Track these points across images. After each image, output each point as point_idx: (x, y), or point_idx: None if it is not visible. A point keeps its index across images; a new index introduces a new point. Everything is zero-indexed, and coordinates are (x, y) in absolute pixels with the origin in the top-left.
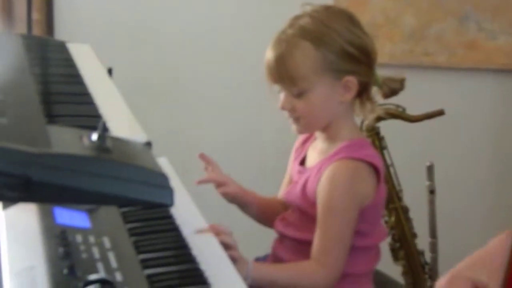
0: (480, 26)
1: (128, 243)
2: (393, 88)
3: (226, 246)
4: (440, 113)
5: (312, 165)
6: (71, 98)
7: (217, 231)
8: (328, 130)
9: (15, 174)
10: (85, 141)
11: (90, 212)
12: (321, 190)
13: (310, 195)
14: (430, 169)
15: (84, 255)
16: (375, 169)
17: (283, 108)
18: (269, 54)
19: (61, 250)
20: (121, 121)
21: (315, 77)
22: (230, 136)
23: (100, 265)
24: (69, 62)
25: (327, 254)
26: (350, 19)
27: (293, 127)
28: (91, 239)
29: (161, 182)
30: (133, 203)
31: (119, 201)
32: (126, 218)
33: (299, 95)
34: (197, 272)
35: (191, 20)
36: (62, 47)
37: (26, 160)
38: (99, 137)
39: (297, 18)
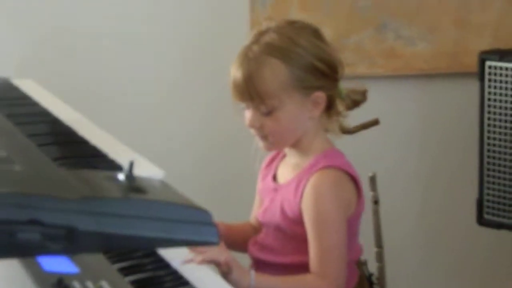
0: (397, 33)
1: (126, 285)
2: (356, 100)
3: (216, 264)
4: (375, 122)
5: (287, 180)
6: (59, 138)
7: (197, 256)
8: (299, 145)
9: (59, 224)
10: (115, 182)
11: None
12: (307, 204)
13: (290, 213)
14: (372, 180)
15: None
16: (353, 179)
17: (251, 126)
18: (236, 73)
19: None
20: (128, 159)
21: (284, 94)
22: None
23: None
24: (27, 100)
25: (327, 265)
26: (316, 33)
27: (261, 144)
28: (90, 284)
29: (204, 219)
30: (180, 244)
31: (166, 243)
32: (109, 258)
33: (268, 113)
34: None
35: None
36: (9, 84)
37: (69, 208)
38: (127, 178)
39: (261, 33)
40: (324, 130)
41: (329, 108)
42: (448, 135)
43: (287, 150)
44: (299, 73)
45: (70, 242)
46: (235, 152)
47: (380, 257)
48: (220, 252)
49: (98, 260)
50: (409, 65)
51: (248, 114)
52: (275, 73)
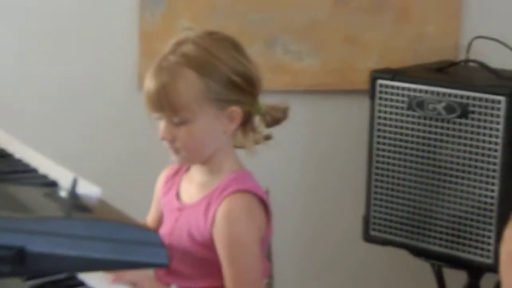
0: (286, 48)
1: None
2: (276, 117)
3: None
4: (268, 137)
5: (194, 200)
6: None
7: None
8: (209, 162)
9: (8, 245)
10: (58, 200)
11: None
12: (220, 230)
13: (200, 237)
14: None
15: None
16: (263, 202)
17: (163, 138)
18: (149, 82)
19: None
20: (57, 173)
21: (198, 107)
22: None
23: None
24: None
25: None
26: (235, 46)
27: (173, 158)
28: None
29: (154, 240)
30: (131, 266)
31: (117, 265)
32: None
33: (181, 124)
34: None
35: None
36: None
37: (20, 228)
38: (71, 195)
39: (179, 43)
40: (240, 146)
41: (245, 123)
42: (336, 152)
43: (194, 167)
44: (214, 86)
45: (19, 263)
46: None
47: (269, 272)
48: (139, 276)
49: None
50: (297, 81)
51: (161, 126)
52: (189, 85)
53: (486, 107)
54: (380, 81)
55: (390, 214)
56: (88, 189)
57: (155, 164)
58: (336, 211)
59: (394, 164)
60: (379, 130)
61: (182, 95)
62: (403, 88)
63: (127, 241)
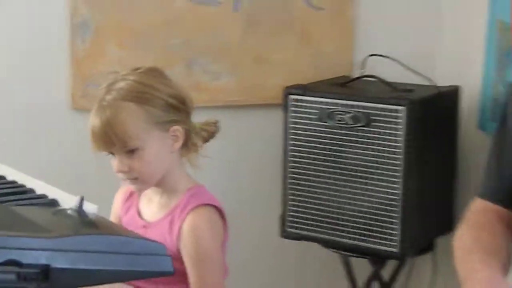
0: (204, 69)
1: None
2: (211, 131)
3: None
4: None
5: (158, 218)
6: None
7: None
8: (164, 183)
9: (35, 263)
10: (70, 219)
11: None
12: (187, 245)
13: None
14: None
15: None
16: (219, 211)
17: (119, 171)
18: (93, 122)
19: None
20: (52, 193)
21: (145, 133)
22: None
23: None
24: None
25: None
26: (160, 74)
27: (132, 187)
28: None
29: (159, 251)
30: (141, 275)
31: (129, 276)
32: None
33: (132, 153)
34: None
35: None
36: None
37: (46, 247)
38: (79, 213)
39: (111, 84)
40: (188, 163)
41: (187, 142)
42: (253, 160)
43: (151, 189)
44: (154, 111)
45: (45, 281)
46: None
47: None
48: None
49: None
50: (215, 98)
51: (114, 161)
52: (132, 116)
53: (387, 116)
54: (292, 96)
55: (304, 213)
56: (86, 207)
57: (90, 179)
58: (253, 212)
59: (307, 169)
60: (292, 139)
61: (128, 125)
62: (314, 102)
63: (137, 253)
